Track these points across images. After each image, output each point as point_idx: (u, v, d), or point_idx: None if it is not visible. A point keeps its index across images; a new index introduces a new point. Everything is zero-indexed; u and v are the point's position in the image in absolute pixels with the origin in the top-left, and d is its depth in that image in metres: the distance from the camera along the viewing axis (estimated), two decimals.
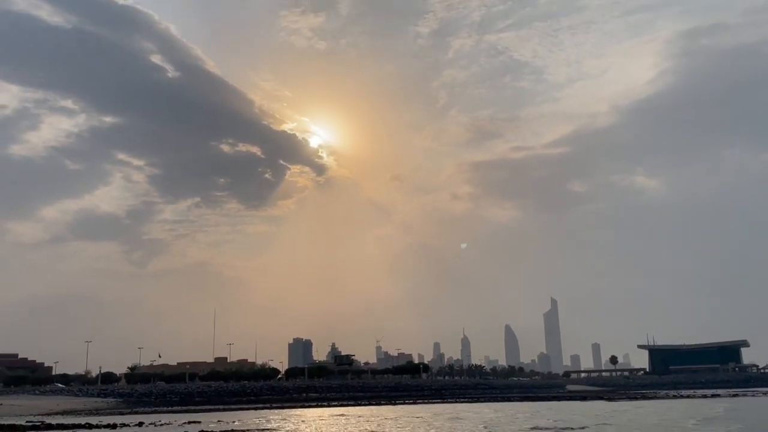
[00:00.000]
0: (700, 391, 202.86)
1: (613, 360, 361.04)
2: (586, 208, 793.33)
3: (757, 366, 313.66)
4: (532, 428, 62.56)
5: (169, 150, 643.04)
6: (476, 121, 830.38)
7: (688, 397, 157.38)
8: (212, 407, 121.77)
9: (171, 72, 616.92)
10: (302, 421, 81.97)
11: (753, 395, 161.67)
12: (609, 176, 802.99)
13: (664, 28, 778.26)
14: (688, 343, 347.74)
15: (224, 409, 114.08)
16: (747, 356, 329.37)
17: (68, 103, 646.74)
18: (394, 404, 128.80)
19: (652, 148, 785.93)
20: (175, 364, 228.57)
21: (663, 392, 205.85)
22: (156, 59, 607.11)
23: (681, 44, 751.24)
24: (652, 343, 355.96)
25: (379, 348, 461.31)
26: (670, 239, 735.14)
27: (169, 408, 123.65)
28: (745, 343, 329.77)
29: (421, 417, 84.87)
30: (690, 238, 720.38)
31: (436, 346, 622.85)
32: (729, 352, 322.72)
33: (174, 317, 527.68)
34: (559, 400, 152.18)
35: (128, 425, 73.07)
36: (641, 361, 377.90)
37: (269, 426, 70.71)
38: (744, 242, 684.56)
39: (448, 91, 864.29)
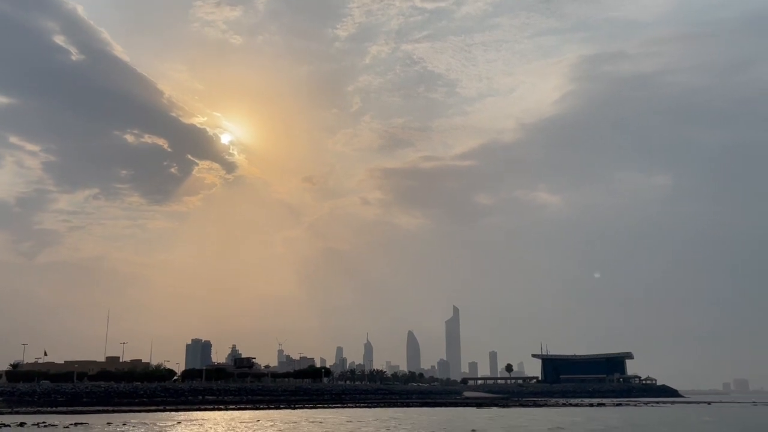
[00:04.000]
0: (587, 400, 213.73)
1: (509, 368, 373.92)
2: (491, 221, 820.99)
3: (639, 377, 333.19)
4: None
5: (67, 137, 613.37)
6: (389, 128, 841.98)
7: (575, 405, 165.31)
8: (101, 408, 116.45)
9: (75, 55, 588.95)
10: (200, 422, 79.84)
11: (635, 405, 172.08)
12: (513, 191, 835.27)
13: (570, 52, 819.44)
14: (578, 353, 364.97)
15: (114, 411, 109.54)
16: (631, 368, 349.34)
17: None
18: (293, 408, 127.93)
19: (554, 166, 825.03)
20: (63, 362, 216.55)
21: (553, 400, 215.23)
22: (59, 40, 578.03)
23: (584, 68, 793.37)
24: (545, 353, 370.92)
25: (281, 351, 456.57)
26: (567, 254, 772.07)
27: (54, 408, 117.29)
28: (629, 355, 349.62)
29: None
30: (585, 253, 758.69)
31: (339, 350, 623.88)
32: (615, 363, 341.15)
33: (63, 313, 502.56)
34: (455, 406, 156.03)
35: (8, 426, 68.70)
36: (535, 369, 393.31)
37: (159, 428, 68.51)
38: (633, 260, 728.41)
39: (363, 97, 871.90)
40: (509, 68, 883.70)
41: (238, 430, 71.24)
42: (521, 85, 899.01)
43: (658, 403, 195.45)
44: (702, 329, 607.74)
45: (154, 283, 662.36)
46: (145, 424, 77.29)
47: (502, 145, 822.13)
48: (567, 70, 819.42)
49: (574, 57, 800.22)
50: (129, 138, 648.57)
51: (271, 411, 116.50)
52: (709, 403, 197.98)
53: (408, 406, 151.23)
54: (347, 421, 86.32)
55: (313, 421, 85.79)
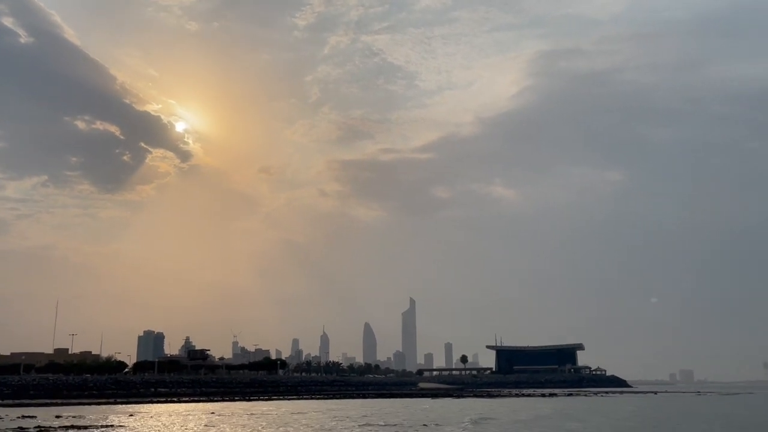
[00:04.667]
0: (539, 390, 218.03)
1: (464, 359, 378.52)
2: (448, 213, 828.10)
3: (590, 368, 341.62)
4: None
5: (15, 122, 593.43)
6: (348, 119, 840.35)
7: (528, 395, 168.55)
8: (49, 401, 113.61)
9: (24, 37, 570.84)
10: (150, 416, 78.75)
11: (585, 395, 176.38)
12: (470, 184, 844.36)
13: (527, 48, 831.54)
14: (531, 345, 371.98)
15: (62, 404, 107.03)
16: (582, 359, 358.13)
17: None
18: (249, 401, 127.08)
19: (510, 160, 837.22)
20: (9, 354, 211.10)
21: (507, 390, 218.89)
22: (7, 21, 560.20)
23: (541, 64, 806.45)
24: (499, 344, 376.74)
25: (235, 343, 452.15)
26: (522, 247, 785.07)
27: (0, 401, 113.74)
28: (580, 347, 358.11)
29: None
30: (539, 246, 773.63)
31: (295, 342, 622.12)
32: (566, 354, 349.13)
33: (9, 303, 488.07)
34: (411, 397, 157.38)
35: None
36: (489, 360, 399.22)
37: (105, 422, 67.37)
38: (585, 253, 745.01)
39: (322, 87, 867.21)
40: (468, 62, 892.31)
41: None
42: (479, 79, 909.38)
43: (607, 393, 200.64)
44: (650, 322, 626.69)
45: (105, 273, 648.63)
46: (81, 417, 75.85)
47: (460, 138, 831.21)
48: (524, 65, 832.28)
49: (531, 52, 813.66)
50: (80, 124, 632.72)
51: (225, 403, 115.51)
52: (655, 393, 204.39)
53: (364, 397, 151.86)
54: (293, 413, 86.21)
55: (252, 414, 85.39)
